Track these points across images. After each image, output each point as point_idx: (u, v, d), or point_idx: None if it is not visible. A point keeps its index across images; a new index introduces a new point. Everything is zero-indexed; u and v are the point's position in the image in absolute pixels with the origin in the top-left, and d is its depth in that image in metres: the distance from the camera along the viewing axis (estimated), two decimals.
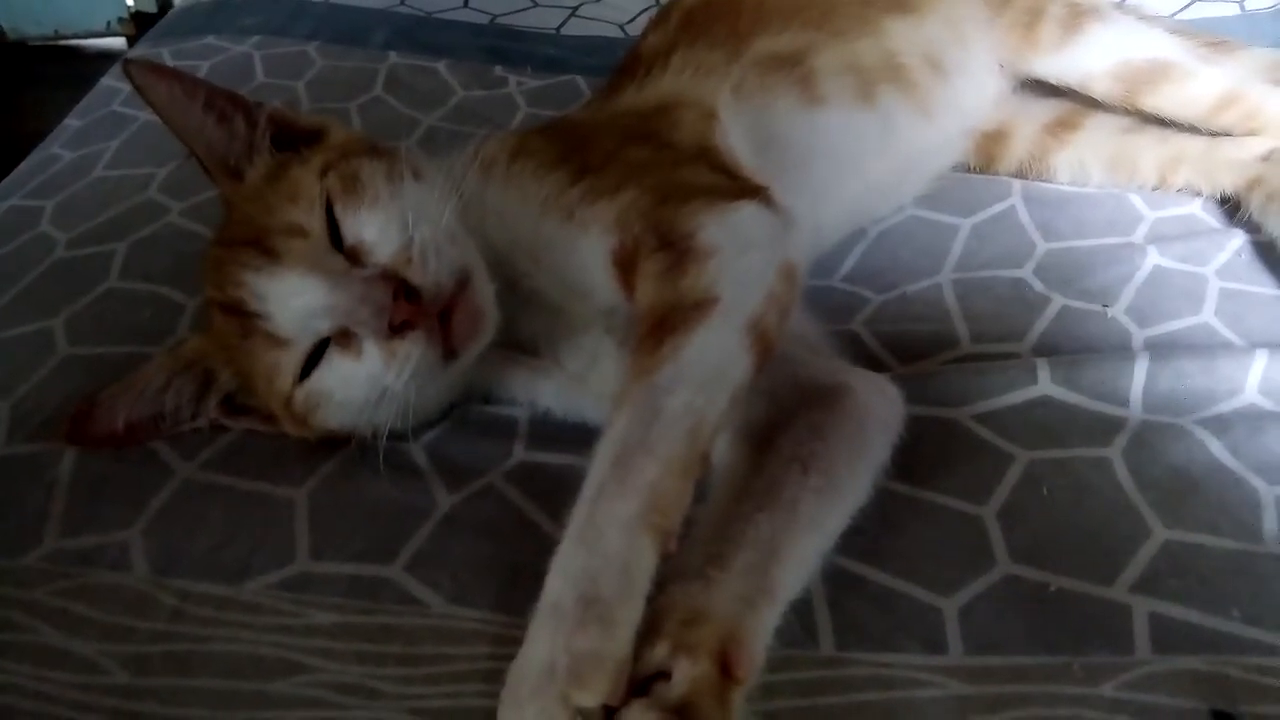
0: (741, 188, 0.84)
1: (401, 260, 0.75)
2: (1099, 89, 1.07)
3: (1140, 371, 0.82)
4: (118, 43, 2.91)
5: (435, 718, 0.65)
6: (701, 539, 0.68)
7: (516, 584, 0.71)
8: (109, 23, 2.91)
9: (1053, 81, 1.10)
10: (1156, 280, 0.95)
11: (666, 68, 0.98)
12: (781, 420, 0.77)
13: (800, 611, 0.68)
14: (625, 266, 0.78)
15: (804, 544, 0.69)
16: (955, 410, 0.82)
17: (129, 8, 2.89)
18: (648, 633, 0.60)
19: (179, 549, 0.76)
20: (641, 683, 0.59)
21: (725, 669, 0.60)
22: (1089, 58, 1.06)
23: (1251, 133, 1.05)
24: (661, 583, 0.62)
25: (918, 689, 0.65)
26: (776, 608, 0.66)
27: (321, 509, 0.79)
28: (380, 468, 0.78)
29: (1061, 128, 1.10)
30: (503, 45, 1.51)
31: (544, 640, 0.57)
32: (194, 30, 1.54)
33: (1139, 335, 0.90)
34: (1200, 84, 1.05)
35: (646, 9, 1.58)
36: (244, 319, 0.78)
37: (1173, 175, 1.06)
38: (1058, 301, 0.94)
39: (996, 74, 1.11)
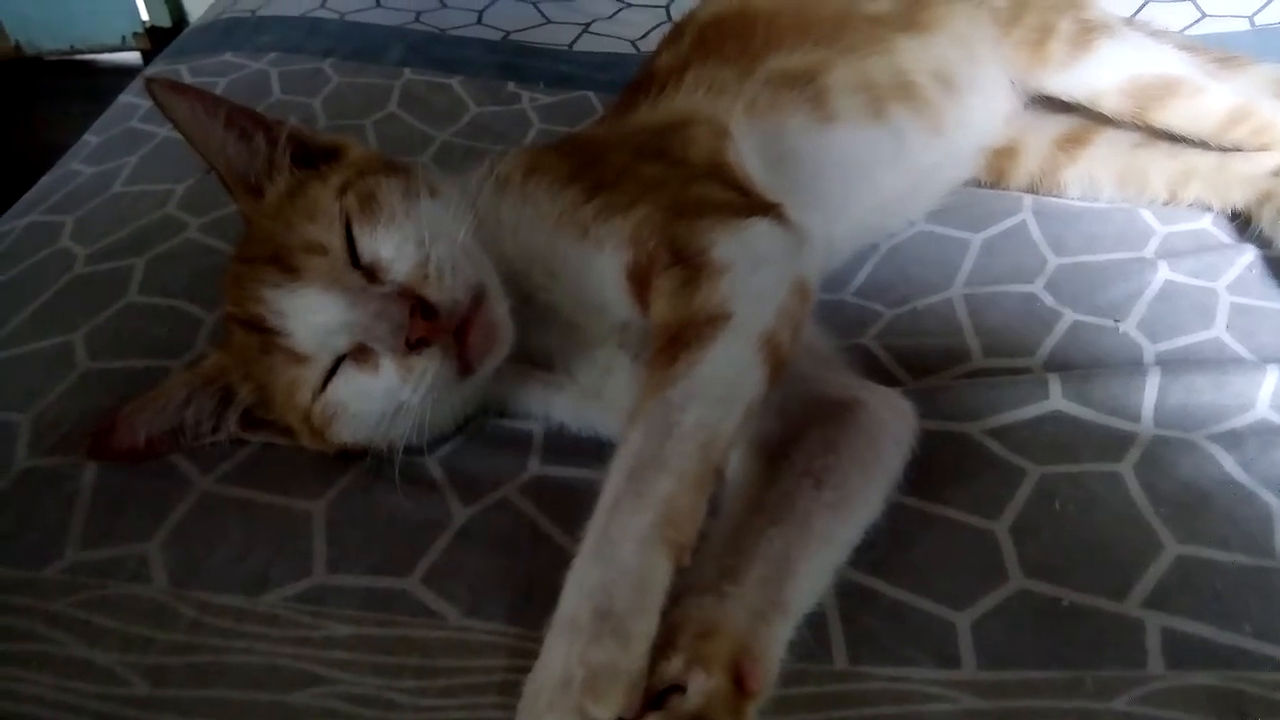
0: (754, 204, 0.85)
1: (418, 277, 0.76)
2: (1109, 105, 1.07)
3: (1151, 386, 0.83)
4: (132, 57, 2.94)
5: None
6: (715, 553, 0.69)
7: (532, 597, 0.72)
8: (124, 37, 2.94)
9: (1063, 98, 1.10)
10: (1167, 295, 0.95)
11: (680, 85, 0.99)
12: (794, 434, 0.77)
13: (814, 625, 0.68)
14: (639, 282, 0.79)
15: (817, 558, 0.70)
16: (967, 425, 0.83)
17: (144, 23, 2.92)
18: (662, 646, 0.61)
19: (198, 561, 0.77)
20: (656, 696, 0.60)
21: (739, 682, 0.61)
22: (1098, 74, 1.07)
23: (1262, 148, 1.05)
24: (676, 596, 0.62)
25: (931, 703, 0.65)
26: (790, 621, 0.66)
27: (338, 522, 0.80)
28: (396, 481, 0.79)
29: (1072, 143, 1.11)
30: (516, 61, 1.52)
31: (560, 653, 0.58)
32: (211, 47, 1.56)
33: (1150, 350, 0.90)
34: (1210, 100, 1.05)
35: (658, 25, 1.59)
36: (263, 335, 0.79)
37: (1183, 190, 1.07)
38: (1069, 316, 0.94)
39: (1007, 91, 1.11)
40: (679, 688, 0.60)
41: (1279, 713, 0.63)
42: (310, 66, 1.48)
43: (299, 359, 0.78)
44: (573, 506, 0.67)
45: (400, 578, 0.75)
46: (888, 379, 0.89)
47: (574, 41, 1.60)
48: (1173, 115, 1.06)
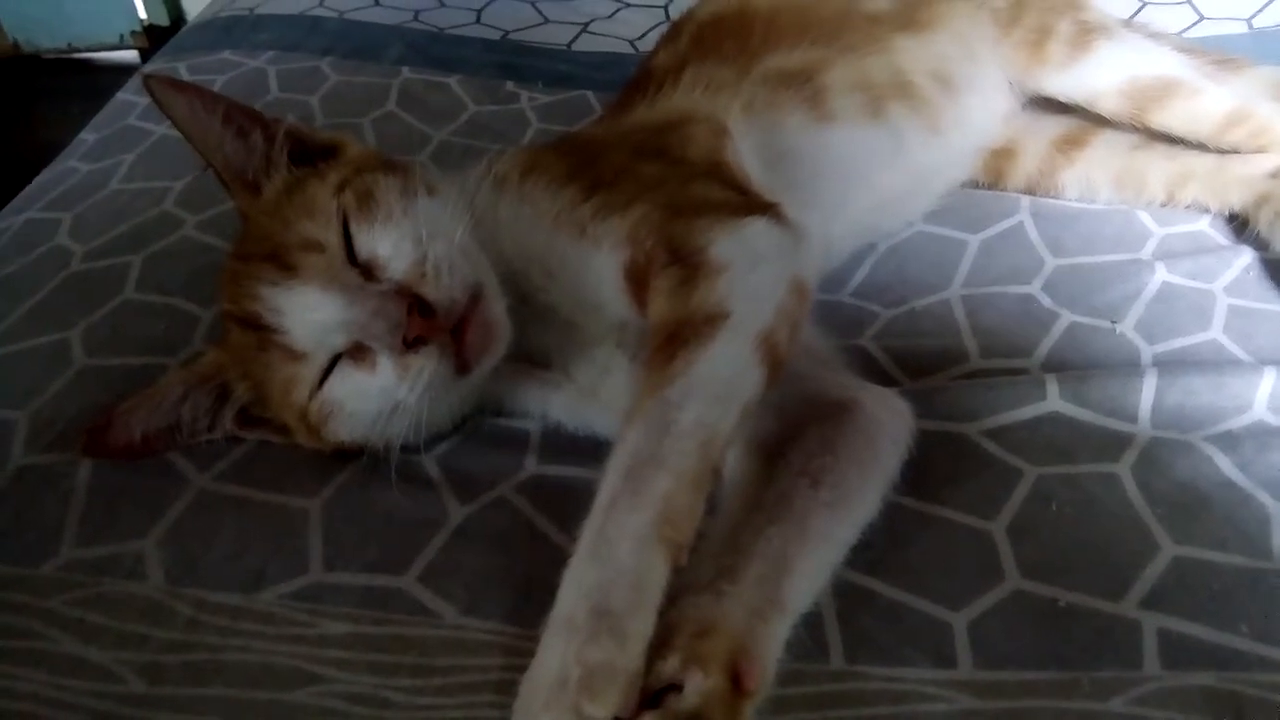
0: (752, 203, 0.85)
1: (415, 276, 0.76)
2: (1107, 106, 1.07)
3: (1149, 388, 0.83)
4: (130, 56, 2.94)
5: None
6: (712, 552, 0.69)
7: (528, 596, 0.71)
8: (122, 36, 2.94)
9: (1061, 99, 1.10)
10: (1165, 297, 0.95)
11: (678, 84, 0.99)
12: (791, 434, 0.77)
13: (810, 625, 0.68)
14: (637, 281, 0.79)
15: (814, 557, 0.70)
16: (964, 425, 0.83)
17: (142, 21, 2.92)
18: (659, 645, 0.61)
19: (194, 559, 0.77)
20: (653, 695, 0.60)
21: (736, 682, 0.61)
22: (1097, 75, 1.07)
23: (1260, 150, 1.05)
24: (673, 595, 0.62)
25: (927, 703, 0.65)
26: (787, 620, 0.66)
27: (335, 520, 0.80)
28: (393, 479, 0.79)
29: (1070, 144, 1.11)
30: (514, 61, 1.52)
31: (556, 652, 0.58)
32: (209, 45, 1.56)
33: (1147, 351, 0.90)
34: (1208, 102, 1.05)
35: (657, 25, 1.59)
36: (260, 332, 0.79)
37: (1181, 192, 1.07)
38: (1066, 317, 0.94)
39: (1005, 91, 1.11)
40: (676, 687, 0.60)
41: (1276, 714, 0.63)
42: (308, 65, 1.48)
43: (296, 357, 0.78)
44: (570, 505, 0.67)
45: (397, 576, 0.75)
46: (885, 379, 0.89)
47: (572, 41, 1.59)
48: (1171, 117, 1.06)
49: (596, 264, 0.81)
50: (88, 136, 1.35)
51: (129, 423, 0.82)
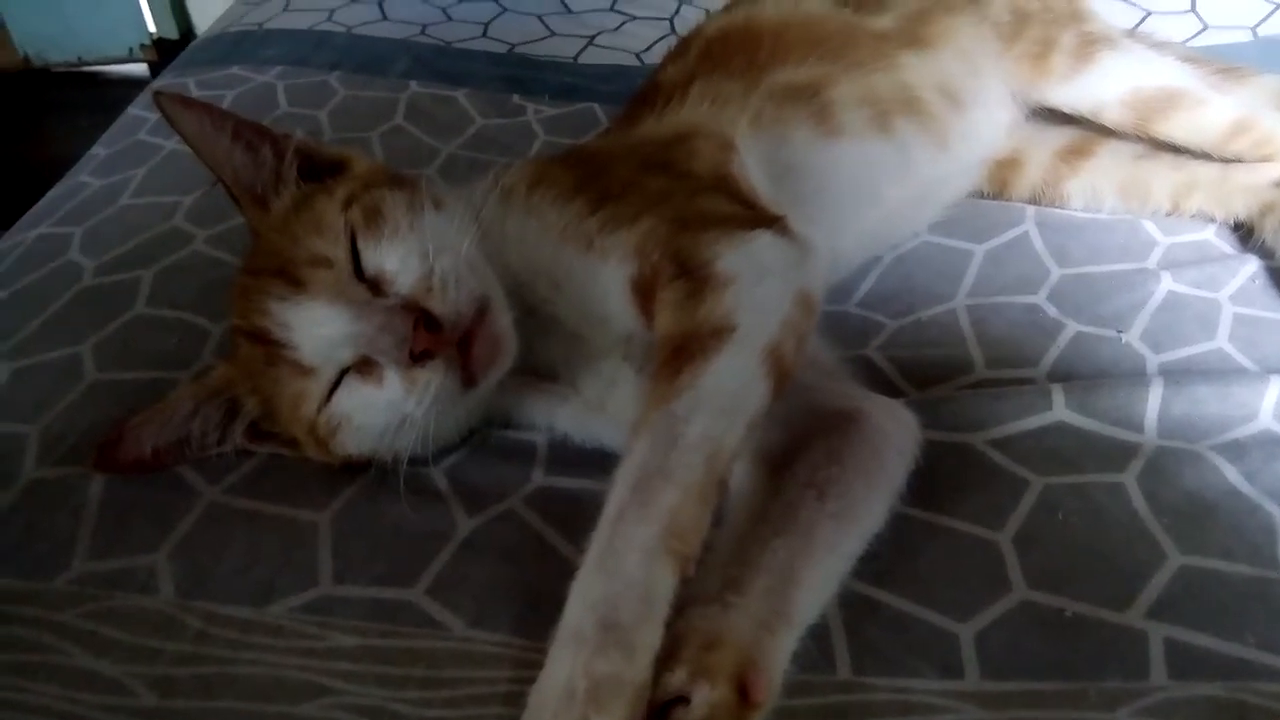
0: (759, 217, 0.85)
1: (422, 290, 0.76)
2: (1111, 117, 1.08)
3: (1155, 397, 0.83)
4: (140, 69, 2.96)
5: None
6: (719, 564, 0.69)
7: (536, 608, 0.72)
8: (131, 49, 2.96)
9: (1065, 110, 1.10)
10: (1170, 306, 0.95)
11: (685, 98, 1.00)
12: (797, 446, 0.78)
13: (817, 636, 0.68)
14: (644, 294, 0.79)
15: (821, 569, 0.70)
16: (970, 435, 0.83)
17: (151, 35, 2.94)
18: (666, 657, 0.61)
19: (204, 572, 0.78)
20: (660, 707, 0.60)
21: (743, 693, 0.61)
22: (1101, 86, 1.07)
23: (1264, 159, 1.06)
24: (680, 607, 0.62)
25: (934, 714, 0.65)
26: (794, 632, 0.67)
27: (344, 533, 0.80)
28: (401, 492, 0.79)
29: (1074, 155, 1.11)
30: (521, 74, 1.52)
31: (564, 664, 0.58)
32: (218, 60, 1.57)
33: (1153, 361, 0.90)
34: (1212, 111, 1.05)
35: (662, 38, 1.60)
36: (269, 347, 0.79)
37: (1186, 201, 1.07)
38: (1072, 327, 0.94)
39: (1010, 103, 1.11)
40: (683, 699, 0.61)
41: None
42: (317, 79, 1.49)
43: (304, 371, 0.78)
44: (577, 518, 0.68)
45: (405, 589, 0.75)
46: (891, 390, 0.89)
47: (579, 54, 1.60)
48: (1175, 127, 1.06)
49: (603, 277, 0.81)
50: (98, 151, 1.36)
51: (140, 437, 0.82)
